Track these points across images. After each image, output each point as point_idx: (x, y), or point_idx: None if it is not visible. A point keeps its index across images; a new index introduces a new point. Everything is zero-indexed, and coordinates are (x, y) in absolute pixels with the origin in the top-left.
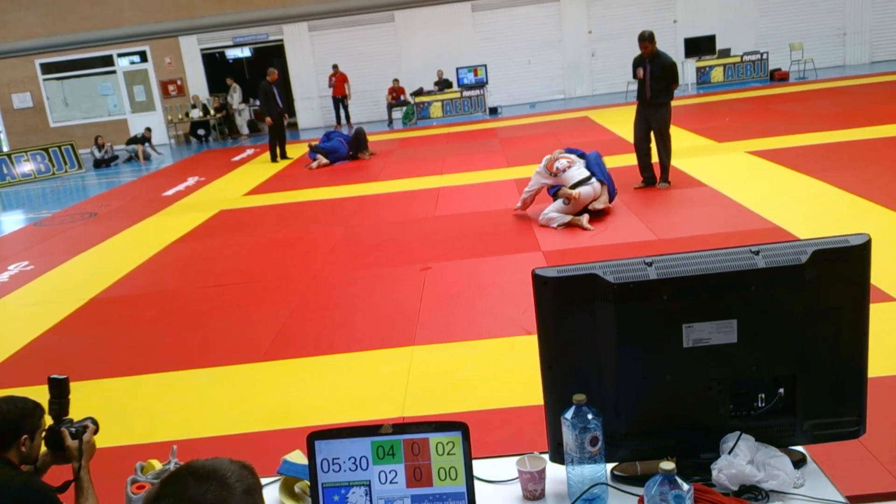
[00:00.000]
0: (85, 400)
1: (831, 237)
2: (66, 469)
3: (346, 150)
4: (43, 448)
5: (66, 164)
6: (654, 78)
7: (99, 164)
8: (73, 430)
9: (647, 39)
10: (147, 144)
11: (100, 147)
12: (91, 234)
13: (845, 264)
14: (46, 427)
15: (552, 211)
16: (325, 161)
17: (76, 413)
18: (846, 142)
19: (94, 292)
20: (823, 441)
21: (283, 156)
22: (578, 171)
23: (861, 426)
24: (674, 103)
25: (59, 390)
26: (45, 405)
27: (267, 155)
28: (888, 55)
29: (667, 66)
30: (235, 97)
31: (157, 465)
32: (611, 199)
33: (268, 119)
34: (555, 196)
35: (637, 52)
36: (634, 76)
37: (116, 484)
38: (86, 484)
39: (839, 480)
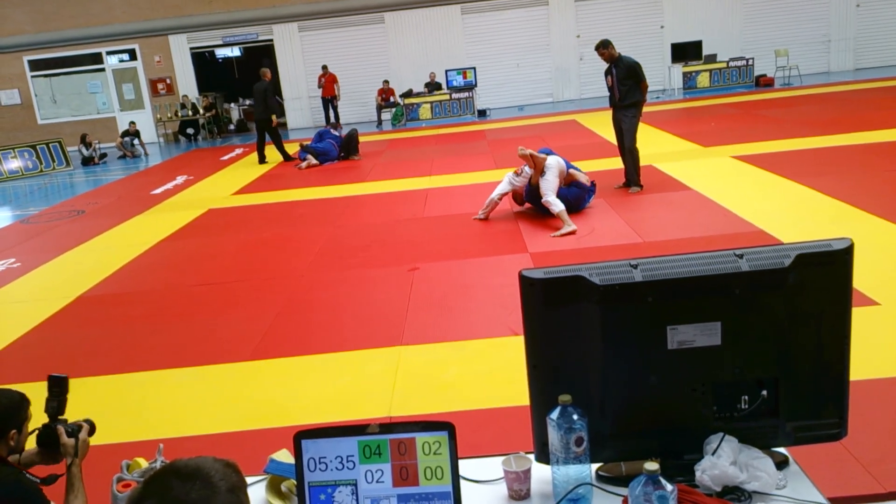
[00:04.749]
0: (71, 398)
1: (814, 241)
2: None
3: (336, 152)
4: (30, 445)
5: (53, 161)
6: (620, 80)
7: (87, 162)
8: (68, 428)
9: (601, 47)
10: (136, 140)
11: (87, 145)
12: (78, 231)
13: (828, 268)
14: (41, 424)
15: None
16: (314, 161)
17: (66, 411)
18: (830, 147)
19: (82, 290)
20: (805, 443)
21: (262, 161)
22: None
23: (843, 428)
24: (660, 108)
25: (59, 388)
26: (43, 403)
27: (254, 156)
28: (872, 62)
29: (630, 67)
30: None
31: (144, 463)
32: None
33: (274, 117)
34: (531, 200)
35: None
36: (608, 87)
37: (102, 482)
38: (77, 482)
39: (821, 482)
